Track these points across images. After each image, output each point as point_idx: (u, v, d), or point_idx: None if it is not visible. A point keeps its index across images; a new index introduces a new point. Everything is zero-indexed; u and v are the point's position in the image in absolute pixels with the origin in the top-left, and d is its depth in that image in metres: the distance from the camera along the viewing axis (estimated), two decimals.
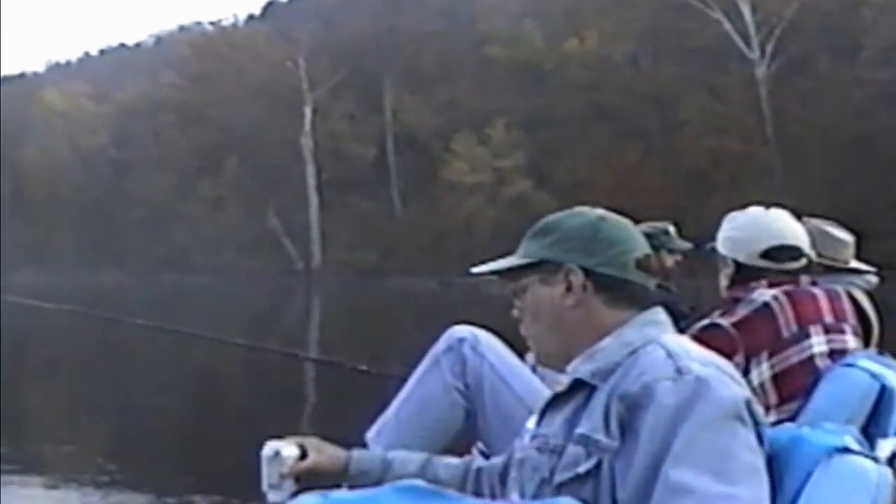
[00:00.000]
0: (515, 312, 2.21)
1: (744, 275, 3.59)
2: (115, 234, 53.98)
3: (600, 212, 2.19)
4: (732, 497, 1.74)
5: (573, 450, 1.93)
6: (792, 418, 3.26)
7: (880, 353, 3.66)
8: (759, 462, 1.85)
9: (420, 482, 1.73)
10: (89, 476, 7.77)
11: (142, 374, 14.55)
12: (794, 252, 3.65)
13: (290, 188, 50.99)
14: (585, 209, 2.21)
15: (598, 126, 44.90)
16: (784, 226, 3.71)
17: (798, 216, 4.00)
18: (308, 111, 52.36)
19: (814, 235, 4.11)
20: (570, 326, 2.09)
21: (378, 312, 31.02)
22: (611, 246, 2.12)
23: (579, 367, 2.05)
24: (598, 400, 1.94)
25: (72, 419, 10.58)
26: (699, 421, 1.80)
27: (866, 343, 3.82)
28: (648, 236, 5.99)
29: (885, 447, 3.25)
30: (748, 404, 1.88)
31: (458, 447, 3.83)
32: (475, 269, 2.30)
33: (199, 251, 51.48)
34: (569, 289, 2.09)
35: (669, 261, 5.53)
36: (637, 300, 2.11)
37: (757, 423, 1.89)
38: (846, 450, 1.93)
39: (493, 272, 2.25)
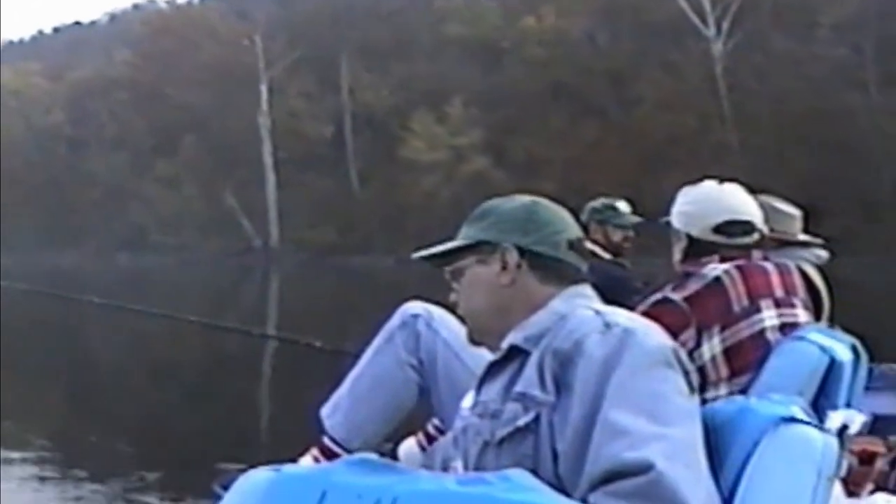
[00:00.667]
0: (453, 297, 2.27)
1: (696, 249, 3.60)
2: (71, 214, 53.56)
3: (531, 197, 2.28)
4: (665, 437, 1.77)
5: (511, 407, 1.96)
6: (743, 391, 3.29)
7: (830, 326, 3.70)
8: (691, 405, 1.89)
9: (373, 455, 1.72)
10: (42, 452, 7.73)
11: (98, 353, 14.48)
12: (746, 227, 3.67)
13: (248, 167, 50.75)
14: (517, 196, 2.29)
15: (556, 103, 44.94)
16: (737, 201, 3.72)
17: (752, 192, 4.03)
18: (264, 89, 52.09)
19: (765, 210, 4.14)
20: (504, 303, 2.15)
21: (336, 290, 30.98)
22: (544, 226, 2.21)
23: (514, 336, 2.09)
24: (532, 361, 1.98)
25: (26, 397, 10.51)
26: (629, 368, 1.85)
27: (817, 317, 3.86)
28: (596, 210, 5.97)
29: (835, 419, 3.27)
30: (675, 352, 1.93)
31: (414, 424, 3.85)
32: (416, 255, 2.35)
33: (156, 231, 51.18)
34: (504, 267, 2.16)
35: (617, 235, 5.56)
36: (568, 278, 2.18)
37: (686, 372, 1.93)
38: (793, 419, 1.96)
39: (432, 256, 2.31)
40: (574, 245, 2.21)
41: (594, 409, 1.83)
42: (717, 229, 3.62)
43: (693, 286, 3.49)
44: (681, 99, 41.91)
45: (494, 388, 2.06)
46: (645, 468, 1.72)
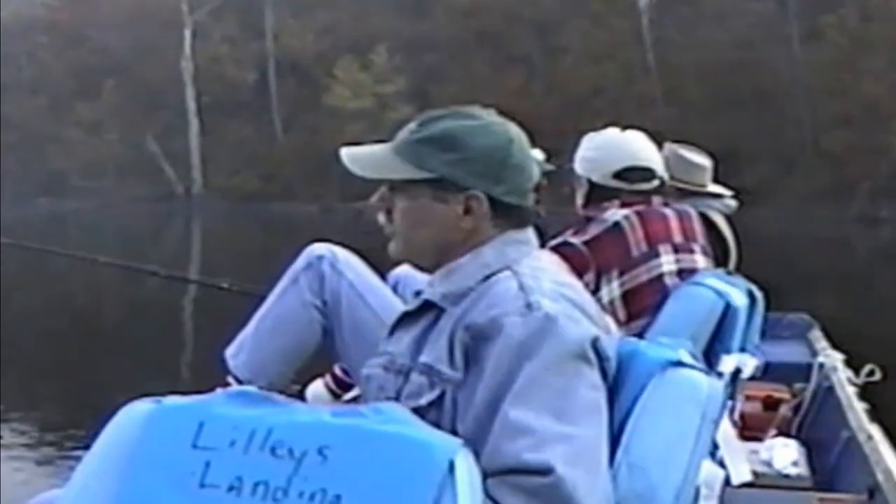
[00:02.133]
0: (383, 218, 2.15)
1: (597, 194, 3.66)
2: None
3: (509, 131, 2.10)
4: (569, 437, 1.77)
5: (417, 379, 1.96)
6: (640, 335, 3.34)
7: (729, 273, 3.76)
8: (601, 399, 1.88)
9: (252, 388, 1.74)
10: None
11: (18, 299, 14.29)
12: (646, 173, 3.73)
13: (170, 112, 50.06)
14: (493, 122, 2.10)
15: (480, 51, 44.83)
16: (638, 147, 3.77)
17: (660, 144, 4.08)
18: (188, 34, 51.29)
19: (668, 159, 4.19)
20: (452, 242, 2.06)
21: (259, 237, 30.85)
22: (518, 174, 2.07)
23: (434, 289, 2.06)
24: (445, 325, 1.96)
25: None
26: (543, 360, 1.82)
27: (723, 264, 3.93)
28: None
29: (728, 363, 3.36)
30: (594, 342, 1.90)
31: (319, 367, 3.87)
32: (358, 170, 2.14)
33: (76, 175, 50.34)
34: (467, 212, 2.04)
35: None
36: (522, 223, 2.10)
37: (603, 360, 1.91)
38: (679, 363, 1.99)
39: (380, 179, 2.15)
40: (536, 188, 2.12)
41: (498, 398, 1.81)
42: (618, 175, 3.68)
43: (593, 230, 3.55)
44: (606, 49, 41.96)
45: (404, 341, 2.05)
46: (545, 471, 1.72)
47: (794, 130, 37.44)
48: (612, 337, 2.01)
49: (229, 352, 3.50)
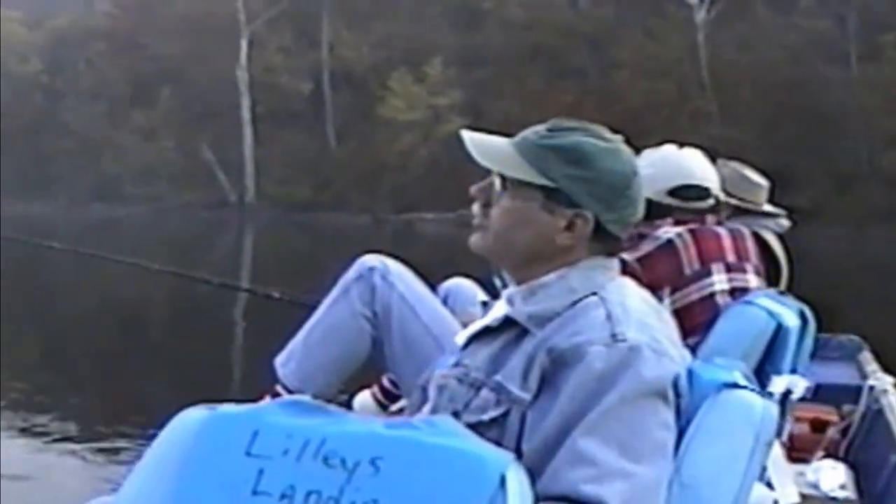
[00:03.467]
0: (476, 208, 2.09)
1: (651, 211, 3.62)
2: (44, 163, 53.08)
3: (634, 163, 2.07)
4: (631, 475, 1.76)
5: (486, 395, 1.94)
6: (691, 353, 3.34)
7: (782, 293, 3.74)
8: (670, 440, 1.87)
9: (306, 397, 1.75)
10: (13, 403, 7.73)
11: (69, 303, 14.45)
12: (701, 191, 3.71)
13: (225, 121, 50.38)
14: (622, 148, 2.07)
15: (535, 65, 44.82)
16: (693, 165, 3.76)
17: (728, 159, 4.06)
18: (244, 43, 51.66)
19: (728, 176, 4.18)
20: (543, 254, 2.02)
21: (309, 247, 30.94)
22: (630, 206, 2.05)
23: (518, 307, 2.03)
24: (527, 346, 1.93)
25: None
26: (621, 393, 1.81)
27: (775, 284, 3.90)
28: None
29: (778, 384, 3.34)
30: (676, 380, 1.89)
31: (368, 378, 3.88)
32: (478, 157, 2.05)
33: (130, 182, 50.79)
34: (569, 228, 2.01)
35: None
36: (613, 253, 2.08)
37: (680, 397, 1.90)
38: (734, 385, 1.97)
39: (499, 173, 2.06)
40: (636, 223, 2.10)
41: (570, 425, 1.79)
42: (673, 192, 3.67)
43: (646, 248, 3.54)
44: (660, 65, 41.83)
45: (481, 356, 2.02)
46: None
47: (850, 149, 37.09)
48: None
49: (279, 360, 3.53)
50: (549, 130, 2.05)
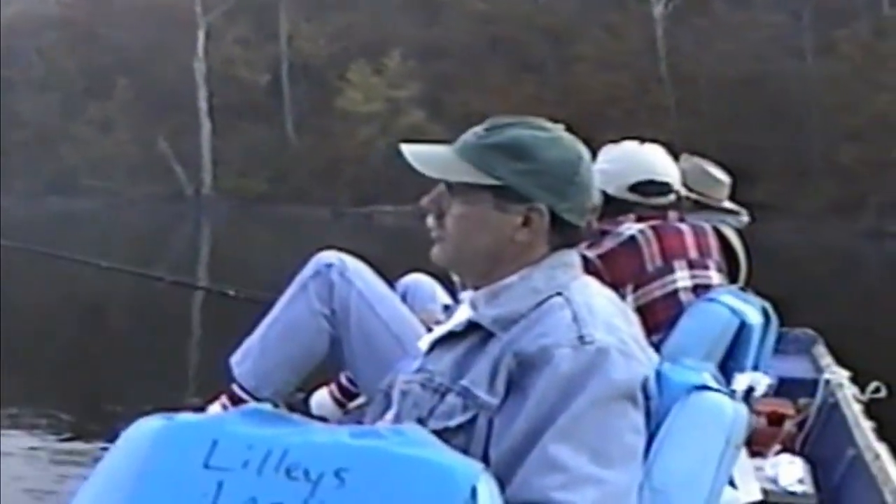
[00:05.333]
0: (430, 221, 2.05)
1: (613, 207, 3.62)
2: None
3: (579, 147, 2.04)
4: (602, 481, 1.73)
5: (452, 400, 1.90)
6: (654, 351, 3.32)
7: (743, 289, 3.74)
8: (640, 445, 1.85)
9: (266, 406, 1.71)
10: None
11: (24, 300, 14.27)
12: (662, 187, 3.70)
13: (182, 113, 50.04)
14: (563, 136, 2.05)
15: (494, 58, 44.85)
16: (655, 161, 3.75)
17: (675, 155, 4.05)
18: (201, 35, 51.31)
19: (689, 171, 4.17)
20: (504, 255, 1.99)
21: (268, 240, 30.83)
22: (583, 192, 2.02)
23: (482, 310, 1.99)
24: (492, 350, 1.90)
25: None
26: (590, 396, 1.78)
27: (734, 280, 3.90)
28: None
29: (741, 381, 3.34)
30: (644, 383, 1.87)
31: (325, 376, 3.84)
32: (420, 167, 2.02)
33: (86, 175, 50.31)
34: (525, 224, 1.98)
35: None
36: (573, 244, 2.06)
37: (649, 399, 1.88)
38: (704, 387, 1.96)
39: (443, 180, 2.03)
40: (594, 210, 2.07)
41: (539, 430, 1.76)
42: (634, 188, 3.65)
43: (608, 244, 3.52)
44: (620, 59, 41.96)
45: (445, 361, 1.98)
46: None
47: (806, 144, 37.37)
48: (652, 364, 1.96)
49: (235, 359, 3.48)
50: (487, 129, 2.02)
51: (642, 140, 3.84)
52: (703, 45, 40.59)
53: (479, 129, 2.04)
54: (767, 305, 3.63)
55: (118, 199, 46.05)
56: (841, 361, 5.37)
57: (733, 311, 3.44)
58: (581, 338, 1.83)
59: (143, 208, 42.59)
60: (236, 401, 3.31)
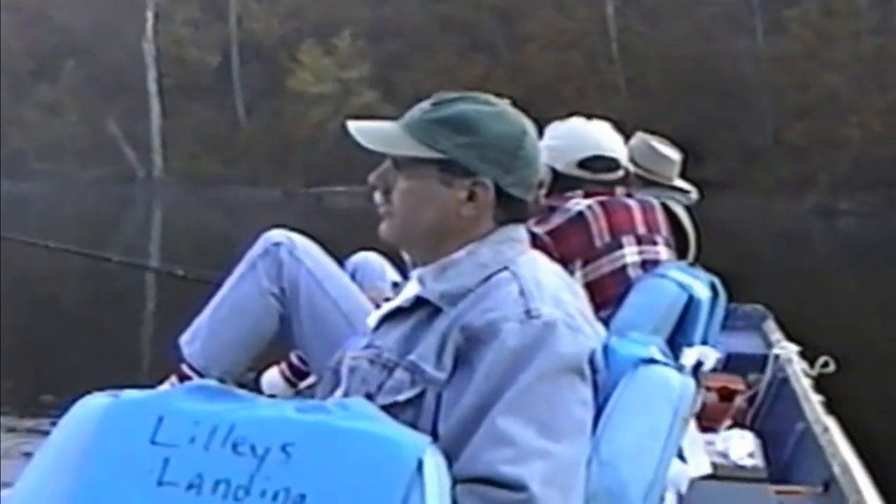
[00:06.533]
0: (378, 197, 2.05)
1: (560, 184, 3.63)
2: None
3: (524, 122, 2.04)
4: (550, 454, 1.74)
5: (400, 375, 1.90)
6: (603, 326, 3.34)
7: (692, 265, 3.76)
8: (588, 418, 1.85)
9: (213, 381, 1.70)
10: None
11: None
12: (610, 163, 3.71)
13: (131, 94, 49.55)
14: (508, 110, 2.05)
15: (445, 38, 44.74)
16: (602, 137, 3.75)
17: (626, 133, 4.06)
18: (150, 16, 50.80)
19: (638, 148, 4.19)
20: (450, 229, 1.99)
21: (220, 221, 30.66)
22: (527, 165, 2.01)
23: (429, 286, 1.99)
24: (439, 325, 1.90)
25: None
26: (538, 370, 1.78)
27: (682, 255, 3.93)
28: None
29: (690, 356, 3.36)
30: (592, 356, 1.87)
31: (276, 355, 3.83)
32: (365, 142, 2.02)
33: (35, 157, 49.77)
34: (471, 198, 1.98)
35: None
36: (520, 219, 2.05)
37: (596, 372, 1.88)
38: (651, 360, 1.97)
39: (389, 154, 2.03)
40: (540, 184, 2.09)
41: (487, 404, 1.76)
42: (582, 164, 3.66)
43: (556, 220, 3.52)
44: (570, 38, 42.02)
45: (393, 336, 1.98)
46: (519, 487, 1.69)
47: (756, 122, 37.64)
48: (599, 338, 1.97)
49: (184, 339, 3.46)
50: (434, 104, 2.02)
51: (589, 117, 3.85)
52: (654, 23, 40.72)
53: (425, 104, 2.04)
54: (716, 280, 3.65)
55: (68, 182, 45.55)
56: (791, 337, 5.43)
57: (681, 285, 3.46)
58: (528, 312, 1.83)
59: (93, 191, 42.15)
60: (185, 380, 3.29)
